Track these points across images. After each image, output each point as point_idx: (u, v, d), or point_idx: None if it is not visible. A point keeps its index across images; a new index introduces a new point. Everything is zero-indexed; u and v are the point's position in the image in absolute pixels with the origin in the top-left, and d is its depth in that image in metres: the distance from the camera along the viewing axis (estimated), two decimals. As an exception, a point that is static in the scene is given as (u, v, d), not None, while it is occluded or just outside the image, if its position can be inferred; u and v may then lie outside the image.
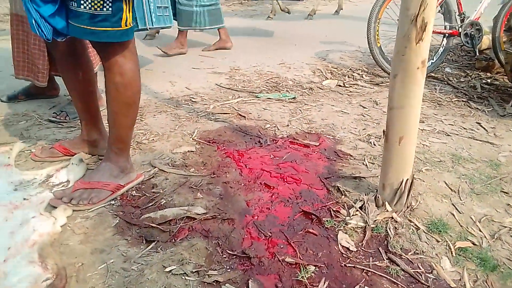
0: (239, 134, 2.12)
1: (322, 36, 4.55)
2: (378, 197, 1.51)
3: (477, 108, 2.58)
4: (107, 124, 1.56)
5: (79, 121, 1.79)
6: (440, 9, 3.07)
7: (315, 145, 2.02)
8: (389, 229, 1.40)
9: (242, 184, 1.67)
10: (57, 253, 1.24)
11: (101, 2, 1.29)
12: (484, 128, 2.28)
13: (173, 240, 1.33)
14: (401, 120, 1.42)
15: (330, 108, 2.53)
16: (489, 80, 3.14)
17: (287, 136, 2.12)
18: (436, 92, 2.87)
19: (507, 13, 3.10)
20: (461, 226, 1.44)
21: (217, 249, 1.30)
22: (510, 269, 1.26)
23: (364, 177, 1.72)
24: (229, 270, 1.22)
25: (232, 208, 1.51)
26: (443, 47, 3.16)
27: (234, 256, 1.28)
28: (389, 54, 2.99)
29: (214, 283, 1.17)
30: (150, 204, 1.50)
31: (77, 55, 1.59)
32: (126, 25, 1.36)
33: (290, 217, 1.48)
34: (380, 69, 3.13)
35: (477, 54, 3.26)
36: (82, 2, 1.28)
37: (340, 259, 1.28)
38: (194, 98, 2.61)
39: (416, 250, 1.33)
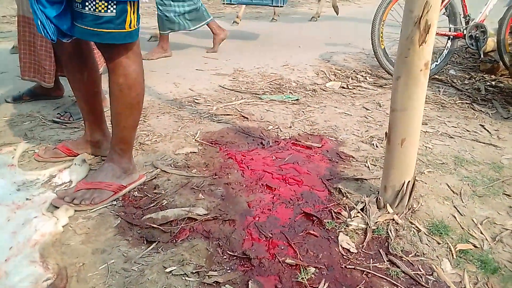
0: (241, 135, 2.13)
1: (326, 38, 4.55)
2: (379, 199, 1.51)
3: (481, 111, 2.57)
4: (110, 125, 1.57)
5: (83, 122, 1.81)
6: (445, 11, 3.06)
7: (318, 147, 2.02)
8: (390, 231, 1.39)
9: (244, 185, 1.67)
10: (59, 253, 1.24)
11: (105, 4, 1.30)
12: (488, 131, 2.27)
13: (174, 241, 1.33)
14: (404, 122, 1.42)
15: (333, 110, 2.53)
16: (493, 83, 3.12)
17: (290, 138, 2.12)
18: (440, 94, 2.86)
19: (512, 15, 3.09)
20: (462, 228, 1.44)
21: (218, 250, 1.30)
22: (511, 272, 1.25)
23: (366, 179, 1.71)
24: (229, 271, 1.23)
25: (233, 209, 1.52)
26: (448, 49, 3.15)
27: (235, 257, 1.28)
28: (393, 56, 2.98)
29: (214, 284, 1.17)
30: (152, 205, 1.51)
31: (83, 56, 1.61)
32: (130, 27, 1.37)
33: (291, 218, 1.48)
34: (384, 71, 3.13)
35: (482, 56, 3.25)
36: (86, 3, 1.30)
37: (341, 261, 1.28)
38: (197, 99, 2.62)
39: (417, 252, 1.32)
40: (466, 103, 2.71)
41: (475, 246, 1.35)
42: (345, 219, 1.46)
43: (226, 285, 1.17)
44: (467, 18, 3.13)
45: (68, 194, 1.49)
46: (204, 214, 1.46)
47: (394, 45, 3.09)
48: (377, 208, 1.50)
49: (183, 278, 1.19)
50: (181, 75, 3.11)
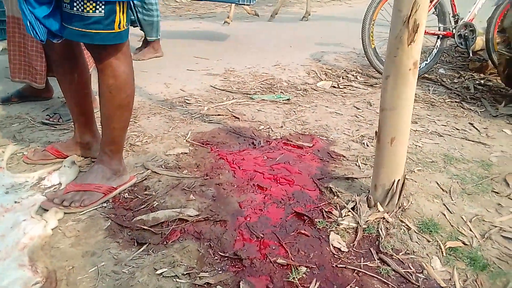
0: (233, 135, 2.12)
1: (317, 38, 4.56)
2: (370, 197, 1.52)
3: (470, 109, 2.60)
4: (100, 126, 1.56)
5: (72, 123, 1.79)
6: (434, 10, 3.09)
7: (309, 146, 2.02)
8: (381, 229, 1.40)
9: (235, 186, 1.67)
10: (48, 256, 1.23)
11: (94, 5, 1.29)
12: (477, 129, 2.29)
13: (165, 243, 1.33)
14: (393, 121, 1.43)
15: (324, 110, 2.53)
16: (482, 81, 3.15)
17: (281, 138, 2.12)
18: (429, 93, 2.88)
19: (500, 14, 3.12)
20: (452, 226, 1.45)
21: (209, 251, 1.30)
22: (500, 269, 1.26)
23: (356, 178, 1.72)
24: (220, 272, 1.22)
25: (225, 209, 1.51)
26: (437, 48, 3.18)
27: (226, 258, 1.28)
28: (384, 56, 2.99)
29: (205, 285, 1.17)
30: (142, 206, 1.50)
31: (73, 57, 1.59)
32: (119, 28, 1.36)
33: (283, 218, 1.49)
34: (374, 70, 3.14)
35: (471, 55, 3.28)
36: (74, 4, 1.28)
37: (332, 260, 1.28)
38: (188, 99, 2.62)
39: (407, 250, 1.33)
40: (456, 101, 2.73)
41: (464, 244, 1.37)
42: (336, 218, 1.47)
43: (217, 286, 1.16)
44: (456, 17, 3.15)
45: (57, 196, 1.47)
46: (195, 215, 1.46)
47: (385, 44, 3.10)
48: (368, 207, 1.51)
49: (174, 279, 1.18)
50: (172, 75, 3.10)
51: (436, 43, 3.18)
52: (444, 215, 1.51)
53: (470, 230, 1.43)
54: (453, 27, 3.14)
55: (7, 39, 2.18)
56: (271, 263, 1.26)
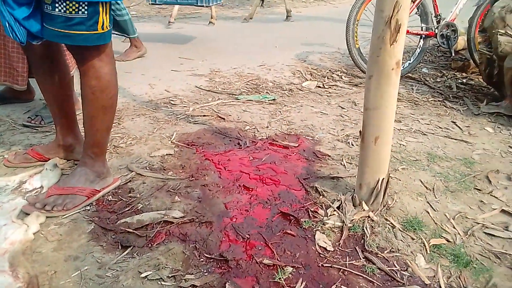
0: (218, 136, 2.11)
1: (302, 38, 4.57)
2: (355, 196, 1.52)
3: (453, 108, 2.64)
4: (83, 128, 1.53)
5: (54, 125, 1.76)
6: (417, 10, 3.13)
7: (294, 146, 2.03)
8: (366, 228, 1.41)
9: (221, 187, 1.66)
10: (29, 262, 1.21)
11: (77, 5, 1.26)
12: (459, 127, 2.33)
13: (150, 245, 1.31)
14: (377, 120, 1.44)
15: (309, 109, 2.54)
16: (464, 80, 3.20)
17: (267, 138, 2.12)
18: (413, 92, 2.92)
19: (481, 14, 3.17)
20: (435, 223, 1.47)
21: (194, 253, 1.29)
22: (483, 265, 1.28)
23: (342, 177, 1.73)
24: (206, 273, 1.21)
25: (210, 211, 1.50)
26: (420, 48, 3.22)
27: (212, 260, 1.27)
28: (368, 55, 3.02)
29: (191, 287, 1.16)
30: (127, 209, 1.48)
31: (53, 59, 1.56)
32: (103, 29, 1.34)
33: (269, 218, 1.48)
34: (359, 70, 3.16)
35: (453, 54, 3.33)
36: (57, 5, 1.26)
37: (317, 259, 1.29)
38: (173, 100, 2.60)
39: (392, 248, 1.34)
40: (439, 100, 2.77)
41: (448, 241, 1.38)
42: (322, 217, 1.47)
43: (203, 288, 1.16)
44: (438, 17, 3.20)
45: (39, 200, 1.44)
46: (181, 217, 1.44)
47: (369, 44, 3.13)
48: (353, 205, 1.52)
49: (159, 282, 1.17)
50: (156, 76, 3.08)
51: (419, 43, 3.23)
52: (428, 212, 1.53)
53: (454, 227, 1.45)
54: (435, 27, 3.19)
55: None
56: (257, 263, 1.25)
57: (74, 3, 1.26)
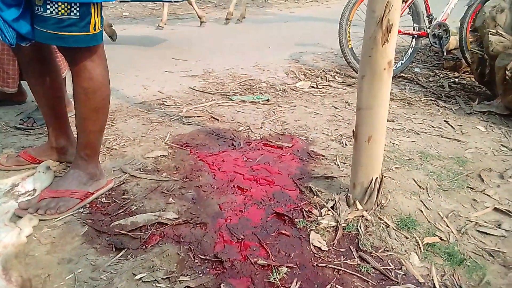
0: (212, 137, 2.11)
1: (295, 38, 4.58)
2: (349, 196, 1.53)
3: (445, 107, 2.66)
4: (75, 130, 1.52)
5: (47, 127, 1.75)
6: (408, 10, 3.15)
7: (288, 147, 2.03)
8: (360, 227, 1.42)
9: (215, 188, 1.66)
10: (22, 265, 1.20)
11: (68, 7, 1.25)
12: (452, 126, 2.34)
13: (144, 247, 1.31)
14: (369, 120, 1.44)
15: (303, 110, 2.55)
16: (456, 79, 3.23)
17: (261, 138, 2.12)
18: (406, 91, 2.93)
19: (472, 14, 3.20)
20: (429, 222, 1.48)
21: (189, 254, 1.29)
22: (476, 263, 1.29)
23: (335, 177, 1.74)
24: (201, 275, 1.21)
25: (205, 212, 1.50)
26: (412, 48, 3.24)
27: (206, 261, 1.27)
28: (360, 56, 3.03)
29: (186, 289, 1.16)
30: (121, 211, 1.48)
31: (44, 61, 1.55)
32: (95, 30, 1.33)
33: (263, 219, 1.48)
34: (352, 70, 3.18)
35: (445, 54, 3.36)
36: (48, 6, 1.25)
37: (312, 259, 1.29)
38: (167, 101, 2.59)
39: (386, 247, 1.35)
40: (431, 100, 2.79)
41: (441, 239, 1.39)
42: (316, 217, 1.47)
43: (197, 289, 1.15)
44: (430, 17, 3.22)
45: (31, 205, 1.43)
46: (175, 218, 1.44)
47: (362, 44, 3.15)
48: (347, 205, 1.52)
49: (154, 284, 1.16)
50: (150, 77, 3.07)
51: (411, 42, 3.24)
52: (422, 211, 1.54)
53: (447, 225, 1.46)
54: (427, 27, 3.21)
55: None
56: (252, 264, 1.25)
57: (66, 4, 1.25)
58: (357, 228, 1.42)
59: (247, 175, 1.76)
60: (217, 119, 2.33)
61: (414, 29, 3.21)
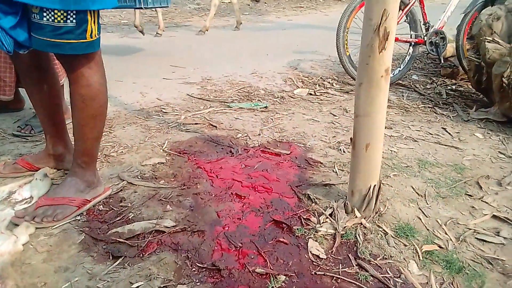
0: (210, 144, 2.11)
1: (293, 46, 4.60)
2: (347, 203, 1.53)
3: (443, 114, 2.66)
4: (73, 137, 1.52)
5: (44, 135, 1.74)
6: (406, 18, 3.17)
7: (286, 154, 2.03)
8: (358, 235, 1.41)
9: (213, 195, 1.65)
10: (18, 273, 1.19)
11: (65, 14, 1.26)
12: (449, 133, 2.35)
13: (141, 255, 1.30)
14: (367, 127, 1.45)
15: (301, 117, 2.55)
16: (453, 87, 3.24)
17: (259, 145, 2.12)
18: (403, 99, 2.94)
19: (469, 22, 3.23)
20: (427, 229, 1.47)
21: (187, 263, 1.28)
22: (475, 270, 1.29)
23: (334, 184, 1.73)
24: (198, 283, 1.20)
25: (203, 219, 1.49)
26: (410, 55, 3.25)
27: (204, 269, 1.26)
28: (358, 63, 3.05)
29: (183, 297, 1.15)
30: (118, 219, 1.47)
31: (41, 68, 1.55)
32: (91, 37, 1.33)
33: (261, 226, 1.48)
34: (349, 77, 3.19)
35: (442, 61, 3.37)
36: (44, 14, 1.25)
37: (310, 267, 1.28)
38: (165, 108, 2.59)
39: (385, 255, 1.34)
40: (429, 107, 2.80)
41: (440, 247, 1.39)
42: (314, 225, 1.47)
43: (195, 298, 1.14)
44: (427, 25, 3.25)
45: (28, 213, 1.42)
46: (172, 226, 1.43)
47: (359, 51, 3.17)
48: (345, 212, 1.52)
49: (151, 293, 1.16)
50: (148, 84, 3.07)
51: (408, 50, 3.26)
52: (420, 219, 1.53)
53: (445, 233, 1.46)
54: (424, 34, 3.23)
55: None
56: (249, 272, 1.25)
57: (62, 11, 1.25)
58: (355, 236, 1.41)
59: (245, 182, 1.76)
60: (215, 126, 2.33)
61: (411, 37, 3.23)
